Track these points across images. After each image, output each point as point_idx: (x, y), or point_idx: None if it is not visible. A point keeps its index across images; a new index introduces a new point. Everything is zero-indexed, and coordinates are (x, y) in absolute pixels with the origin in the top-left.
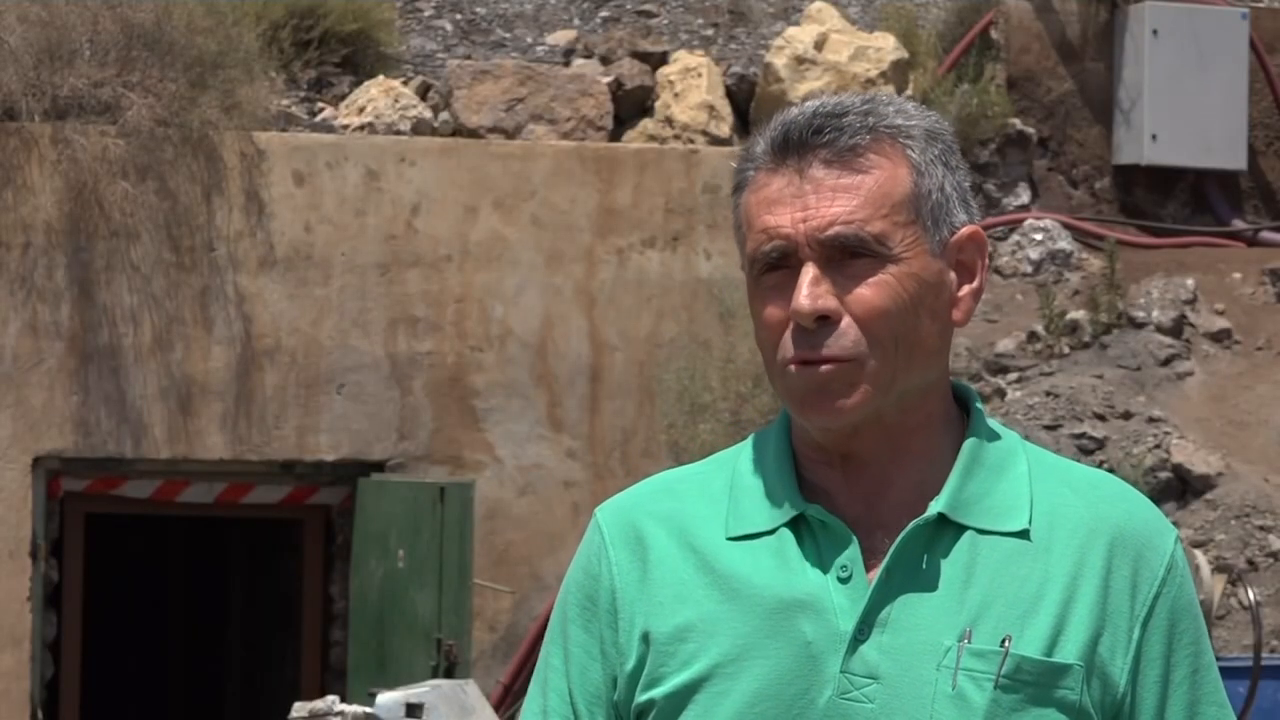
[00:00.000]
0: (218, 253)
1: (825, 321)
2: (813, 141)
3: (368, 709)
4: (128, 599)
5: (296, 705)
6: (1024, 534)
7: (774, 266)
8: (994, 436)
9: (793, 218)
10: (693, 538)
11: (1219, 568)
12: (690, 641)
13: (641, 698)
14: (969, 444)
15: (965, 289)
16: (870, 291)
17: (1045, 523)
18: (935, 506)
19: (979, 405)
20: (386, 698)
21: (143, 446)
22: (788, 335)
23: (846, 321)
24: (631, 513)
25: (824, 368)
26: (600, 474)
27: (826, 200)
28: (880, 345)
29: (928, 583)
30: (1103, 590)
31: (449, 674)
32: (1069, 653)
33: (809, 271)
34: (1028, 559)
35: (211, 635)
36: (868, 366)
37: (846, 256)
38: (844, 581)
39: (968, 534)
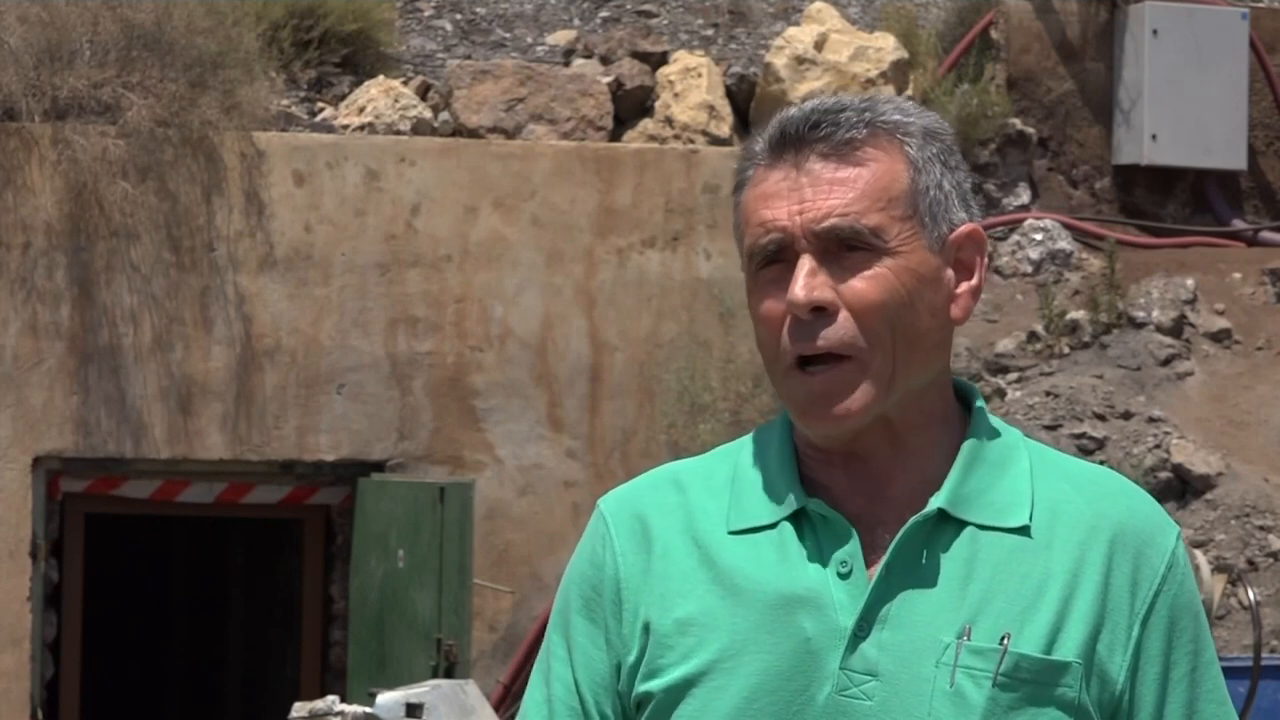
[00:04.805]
0: (218, 253)
1: (821, 313)
2: (809, 136)
3: (368, 709)
4: (128, 599)
5: (296, 705)
6: (1025, 530)
7: (771, 260)
8: (995, 433)
9: (789, 210)
10: (695, 530)
11: (1219, 568)
12: (690, 635)
13: (640, 689)
14: (970, 440)
15: (964, 286)
16: (866, 284)
17: (1046, 519)
18: (935, 502)
19: (980, 402)
20: (386, 698)
21: (143, 446)
22: (785, 329)
23: (843, 314)
24: (636, 503)
25: (820, 376)
26: (600, 474)
27: (823, 193)
28: (878, 339)
29: (928, 579)
30: (1103, 587)
31: (449, 674)
32: (1068, 650)
33: (805, 263)
34: (1028, 555)
35: (211, 635)
36: (868, 366)
37: (843, 249)
38: (844, 577)
39: (968, 530)
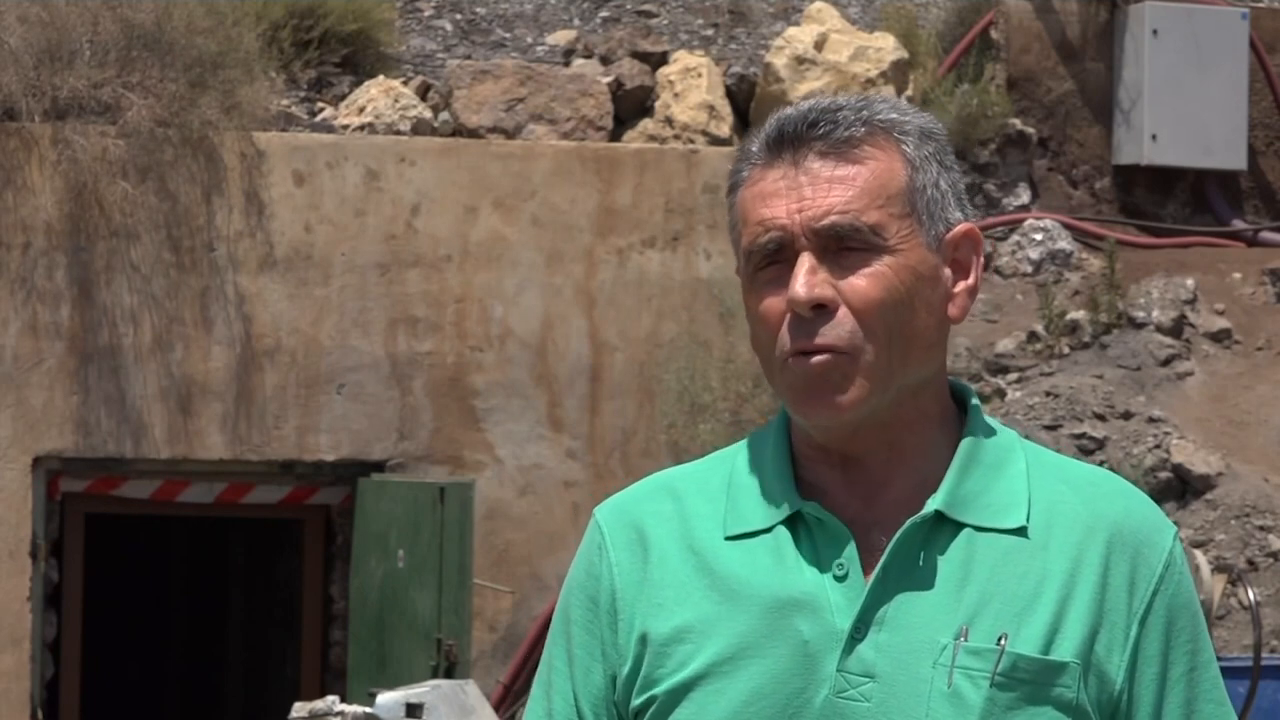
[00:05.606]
0: (218, 253)
1: (822, 310)
2: (808, 135)
3: (368, 709)
4: (128, 599)
5: (296, 705)
6: (1021, 531)
7: (770, 260)
8: (991, 434)
9: (788, 209)
10: (692, 538)
11: (1219, 568)
12: (687, 642)
13: (638, 700)
14: (966, 442)
15: (961, 286)
16: (866, 282)
17: (1043, 520)
18: (932, 504)
19: (976, 403)
20: (386, 698)
21: (143, 446)
22: (784, 327)
23: (843, 312)
24: (631, 512)
25: (817, 358)
26: (600, 474)
27: (823, 191)
28: (876, 336)
29: (924, 581)
30: (1100, 587)
31: (449, 674)
32: (1065, 650)
33: (805, 261)
34: (1025, 556)
35: (211, 635)
36: (863, 359)
37: (842, 247)
38: (841, 580)
39: (965, 531)
